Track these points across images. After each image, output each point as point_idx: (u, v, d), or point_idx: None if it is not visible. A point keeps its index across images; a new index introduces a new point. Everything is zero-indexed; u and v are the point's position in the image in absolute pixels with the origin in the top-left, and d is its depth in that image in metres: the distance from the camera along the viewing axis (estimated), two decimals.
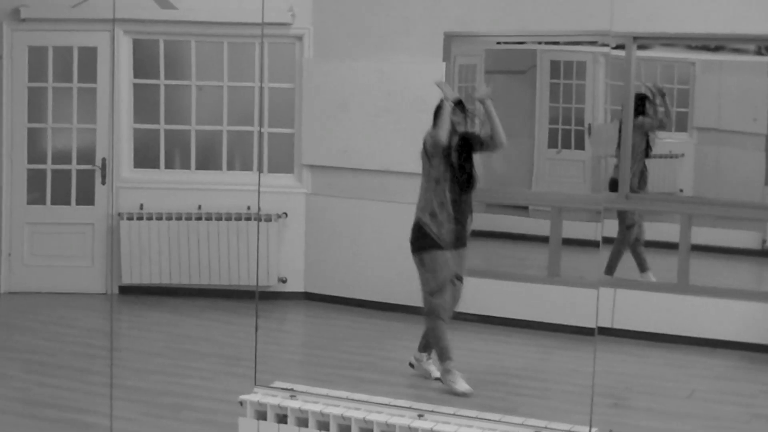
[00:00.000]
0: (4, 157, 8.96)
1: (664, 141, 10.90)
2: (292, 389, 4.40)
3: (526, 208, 9.76)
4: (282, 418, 4.29)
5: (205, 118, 9.11)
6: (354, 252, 8.67)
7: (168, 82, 9.08)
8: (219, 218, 8.80)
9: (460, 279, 6.62)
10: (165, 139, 9.13)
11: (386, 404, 4.22)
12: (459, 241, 6.56)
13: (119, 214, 8.83)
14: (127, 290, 8.98)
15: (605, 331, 7.74)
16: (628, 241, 8.60)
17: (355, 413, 4.14)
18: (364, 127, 8.34)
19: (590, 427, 3.81)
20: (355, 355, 7.38)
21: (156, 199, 8.91)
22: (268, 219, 8.79)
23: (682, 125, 11.05)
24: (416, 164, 6.67)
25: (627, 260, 8.86)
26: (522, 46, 9.98)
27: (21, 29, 8.89)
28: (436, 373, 6.67)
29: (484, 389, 6.57)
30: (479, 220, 10.43)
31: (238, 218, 8.81)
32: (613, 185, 8.21)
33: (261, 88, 8.97)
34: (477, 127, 6.73)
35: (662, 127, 9.06)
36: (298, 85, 8.89)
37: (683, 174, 10.96)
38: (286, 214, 8.89)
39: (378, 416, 4.10)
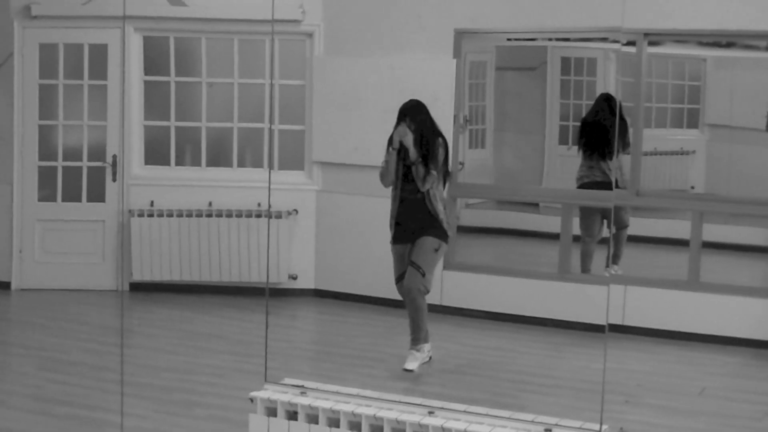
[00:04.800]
0: (15, 154, 8.98)
1: (675, 138, 10.90)
2: (302, 386, 4.40)
3: (536, 204, 9.76)
4: (292, 415, 4.30)
5: (216, 115, 9.12)
6: (364, 249, 8.67)
7: (178, 79, 9.09)
8: (229, 215, 8.81)
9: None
10: (175, 136, 9.14)
11: (397, 401, 4.21)
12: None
13: (130, 211, 8.84)
14: (137, 287, 8.99)
15: (616, 328, 7.73)
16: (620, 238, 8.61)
17: (366, 410, 4.14)
18: (375, 124, 8.32)
19: (601, 424, 3.80)
20: (366, 352, 7.37)
21: (166, 196, 8.92)
22: (279, 216, 8.80)
23: (693, 122, 11.03)
24: None
25: (635, 257, 8.85)
26: (532, 43, 9.97)
27: (32, 26, 8.91)
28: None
29: (494, 386, 6.57)
30: (490, 217, 10.48)
31: (249, 215, 8.82)
32: None
33: (271, 85, 8.97)
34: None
35: None
36: (308, 82, 8.89)
37: (695, 171, 10.95)
38: (296, 211, 8.89)
39: (388, 413, 4.10)
